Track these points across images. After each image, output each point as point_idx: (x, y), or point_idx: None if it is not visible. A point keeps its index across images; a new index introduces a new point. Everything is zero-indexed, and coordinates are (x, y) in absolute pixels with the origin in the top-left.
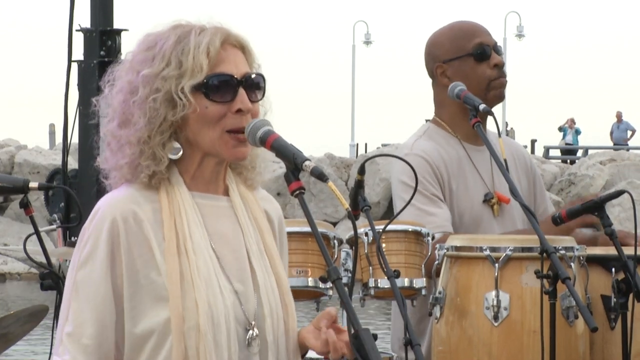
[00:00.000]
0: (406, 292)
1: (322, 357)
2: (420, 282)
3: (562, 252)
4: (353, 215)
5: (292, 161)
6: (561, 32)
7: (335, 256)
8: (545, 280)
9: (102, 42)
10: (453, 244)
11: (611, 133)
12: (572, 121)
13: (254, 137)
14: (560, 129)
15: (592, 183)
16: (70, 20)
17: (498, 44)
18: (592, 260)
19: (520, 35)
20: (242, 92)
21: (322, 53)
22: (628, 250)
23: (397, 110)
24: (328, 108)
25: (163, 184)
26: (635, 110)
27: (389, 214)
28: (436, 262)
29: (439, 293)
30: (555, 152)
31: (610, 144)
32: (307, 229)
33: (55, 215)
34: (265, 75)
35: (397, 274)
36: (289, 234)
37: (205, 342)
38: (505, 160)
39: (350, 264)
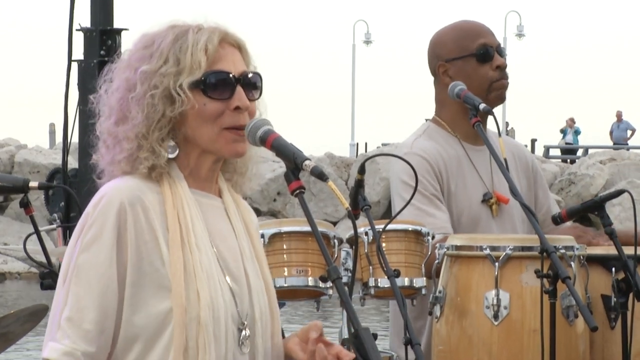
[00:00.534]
0: (406, 292)
1: None
2: (420, 282)
3: (562, 251)
4: (353, 215)
5: (292, 160)
6: (561, 32)
7: (335, 255)
8: (545, 280)
9: (102, 42)
10: (453, 243)
11: (611, 132)
12: (572, 120)
13: (254, 136)
14: (562, 131)
15: (592, 182)
16: (70, 20)
17: (501, 45)
18: (592, 260)
19: (520, 35)
20: (239, 90)
21: (322, 53)
22: (628, 250)
23: (397, 110)
24: (328, 108)
25: (164, 177)
26: (635, 109)
27: (389, 214)
28: (436, 262)
29: (439, 292)
30: (556, 152)
31: (610, 143)
32: (307, 228)
33: (55, 215)
34: (262, 75)
35: (397, 274)
36: (290, 233)
37: (205, 334)
38: (505, 160)
39: (350, 264)
